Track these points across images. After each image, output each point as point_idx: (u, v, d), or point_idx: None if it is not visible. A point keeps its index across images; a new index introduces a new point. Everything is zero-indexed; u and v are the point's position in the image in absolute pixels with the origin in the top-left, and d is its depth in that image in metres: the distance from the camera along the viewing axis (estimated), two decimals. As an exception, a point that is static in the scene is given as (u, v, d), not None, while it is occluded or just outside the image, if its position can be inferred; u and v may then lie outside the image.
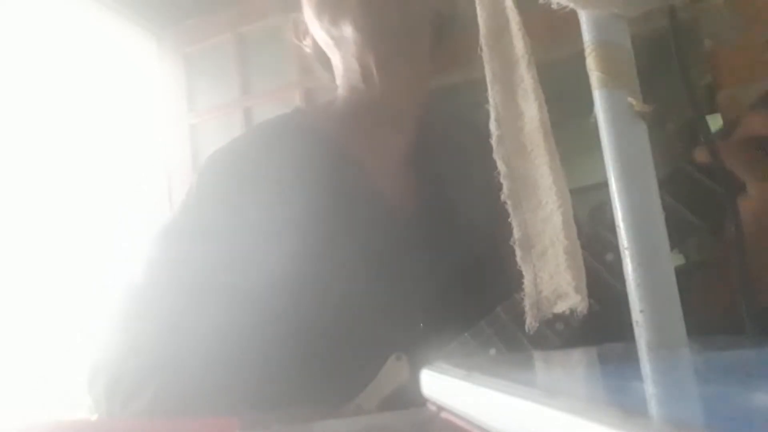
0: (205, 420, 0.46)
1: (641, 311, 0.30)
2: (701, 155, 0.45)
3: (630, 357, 0.29)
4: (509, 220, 0.60)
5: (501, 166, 0.34)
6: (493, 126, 0.35)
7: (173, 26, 2.05)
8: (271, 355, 0.53)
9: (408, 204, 0.63)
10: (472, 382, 0.22)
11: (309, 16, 0.64)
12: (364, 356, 0.53)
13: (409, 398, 0.49)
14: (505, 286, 0.51)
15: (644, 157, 0.32)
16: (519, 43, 0.35)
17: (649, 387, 0.22)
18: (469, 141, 0.66)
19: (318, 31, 0.63)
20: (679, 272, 0.31)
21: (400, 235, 0.60)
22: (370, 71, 0.62)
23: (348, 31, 0.59)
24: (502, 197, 0.34)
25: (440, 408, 0.26)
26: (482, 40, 0.36)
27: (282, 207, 0.59)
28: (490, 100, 0.35)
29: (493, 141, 0.35)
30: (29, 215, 1.46)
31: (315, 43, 0.68)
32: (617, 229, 0.32)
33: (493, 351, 0.48)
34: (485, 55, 0.35)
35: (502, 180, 0.35)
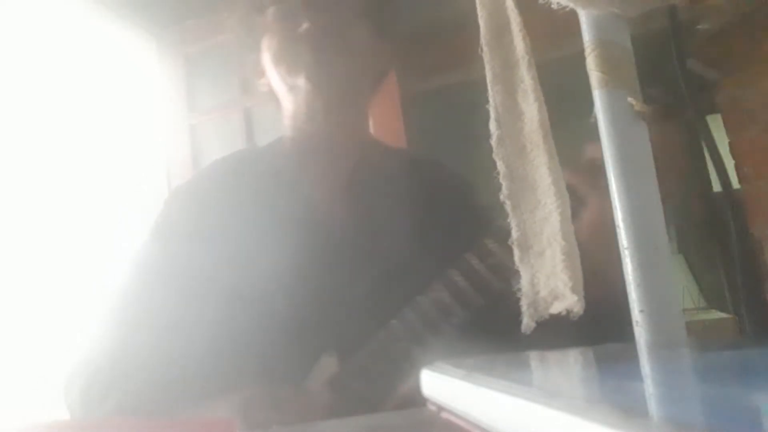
0: (205, 420, 0.46)
1: (641, 311, 0.30)
2: None
3: (630, 357, 0.29)
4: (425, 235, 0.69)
5: (500, 166, 0.35)
6: (492, 126, 0.35)
7: (173, 26, 2.05)
8: (221, 358, 0.60)
9: (343, 222, 0.73)
10: (472, 382, 0.22)
11: (267, 62, 0.74)
12: (301, 354, 0.62)
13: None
14: (416, 289, 0.64)
15: (644, 157, 0.32)
16: (519, 44, 0.35)
17: (649, 387, 0.22)
18: (399, 172, 0.80)
19: (274, 76, 0.74)
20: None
21: (335, 246, 0.71)
22: (317, 115, 0.73)
23: (301, 81, 0.70)
24: (501, 197, 0.34)
25: (440, 408, 0.26)
26: (483, 40, 0.36)
27: (236, 231, 0.69)
28: (490, 100, 0.35)
29: (493, 141, 0.35)
30: (29, 215, 1.46)
31: (270, 83, 0.78)
32: (617, 229, 0.32)
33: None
34: (486, 55, 0.35)
35: (501, 180, 0.35)
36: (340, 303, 0.67)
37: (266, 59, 0.74)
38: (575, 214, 0.51)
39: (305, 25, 0.69)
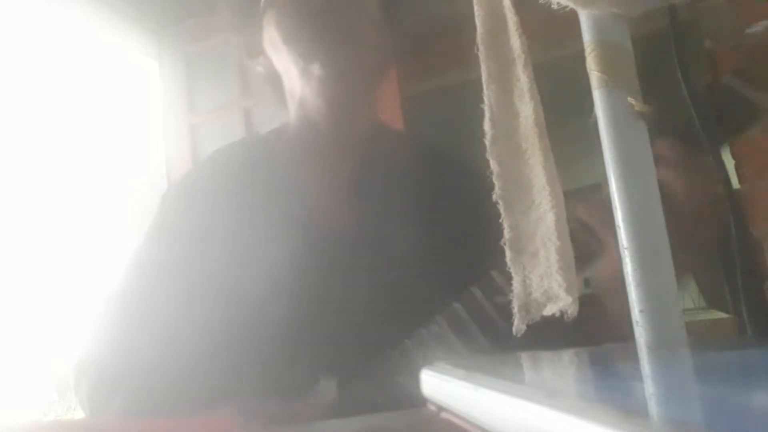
0: (205, 420, 0.46)
1: (641, 311, 0.30)
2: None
3: (630, 357, 0.29)
4: (441, 243, 0.63)
5: (494, 166, 0.34)
6: (487, 126, 0.35)
7: (173, 26, 2.05)
8: (206, 370, 0.58)
9: (343, 224, 0.68)
10: (472, 382, 0.22)
11: (275, 40, 0.67)
12: (293, 377, 0.56)
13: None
14: (429, 308, 0.57)
15: (644, 157, 0.32)
16: (516, 43, 0.35)
17: (649, 387, 0.22)
18: (408, 164, 0.74)
19: (283, 57, 0.67)
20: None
21: (334, 252, 0.66)
22: (328, 105, 0.68)
23: (315, 67, 0.64)
24: (494, 197, 0.34)
25: (440, 408, 0.26)
26: (479, 40, 0.36)
27: (230, 228, 0.65)
28: (486, 99, 0.35)
29: (488, 140, 0.35)
30: (28, 215, 1.46)
31: (269, 64, 0.72)
32: (617, 229, 0.32)
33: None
34: (482, 54, 0.35)
35: (494, 180, 0.34)
36: (335, 313, 0.62)
37: (271, 37, 0.67)
38: (594, 257, 0.49)
39: (323, 1, 0.63)
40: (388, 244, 0.66)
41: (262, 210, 0.67)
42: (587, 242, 0.49)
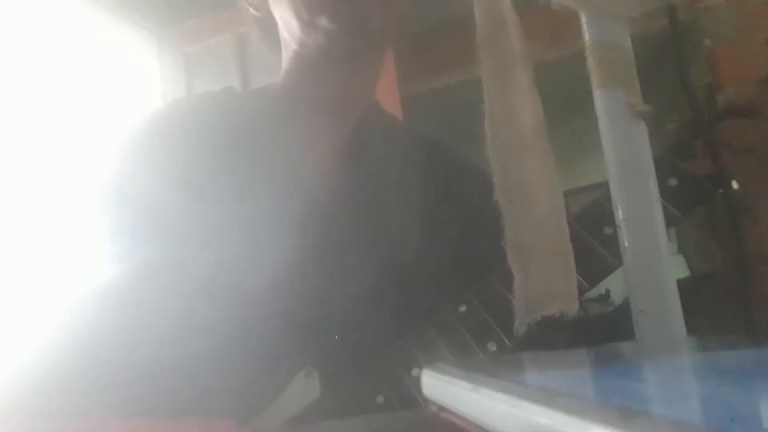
0: (205, 420, 0.45)
1: (641, 311, 0.30)
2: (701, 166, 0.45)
3: (630, 357, 0.29)
4: (441, 235, 0.55)
5: (494, 166, 0.34)
6: (487, 126, 0.35)
7: (173, 26, 2.05)
8: (170, 356, 0.49)
9: (335, 201, 0.60)
10: (472, 382, 0.22)
11: None
12: (268, 367, 0.49)
13: (325, 415, 0.47)
14: (429, 300, 0.50)
15: (644, 157, 0.32)
16: (516, 44, 0.35)
17: (649, 387, 0.22)
18: (408, 149, 0.66)
19: (284, 7, 0.59)
20: (684, 287, 0.31)
21: (323, 231, 0.57)
22: (332, 63, 0.59)
23: (323, 20, 0.56)
24: (495, 197, 0.34)
25: (440, 408, 0.26)
26: (479, 40, 0.36)
27: (199, 190, 0.55)
28: (486, 100, 0.35)
29: (488, 141, 0.35)
30: (26, 215, 1.46)
31: (265, 7, 0.63)
32: (617, 229, 0.32)
33: (416, 371, 0.45)
34: (482, 54, 0.35)
35: (495, 180, 0.34)
36: (329, 297, 0.54)
37: None
38: (611, 270, 0.43)
39: None
40: (387, 218, 0.59)
41: (243, 171, 0.58)
42: (605, 255, 0.47)
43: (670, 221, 0.36)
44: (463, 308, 0.47)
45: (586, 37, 0.34)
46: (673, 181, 0.42)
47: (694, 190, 0.43)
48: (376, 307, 0.54)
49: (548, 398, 0.17)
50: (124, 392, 0.48)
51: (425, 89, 2.19)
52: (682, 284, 0.31)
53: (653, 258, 0.31)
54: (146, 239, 0.55)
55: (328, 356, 0.49)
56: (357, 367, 0.48)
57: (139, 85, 2.05)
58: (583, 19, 0.34)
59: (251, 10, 0.66)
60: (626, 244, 0.31)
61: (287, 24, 0.60)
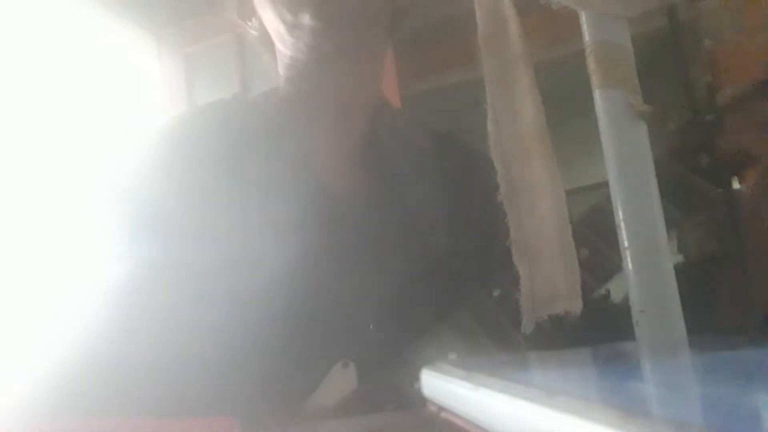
0: (205, 420, 0.46)
1: (641, 311, 0.30)
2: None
3: (630, 357, 0.29)
4: (467, 227, 0.55)
5: (498, 166, 0.34)
6: (489, 126, 0.35)
7: (173, 26, 2.05)
8: (206, 357, 0.50)
9: (357, 201, 0.60)
10: (472, 382, 0.22)
11: None
12: (306, 362, 0.50)
13: (364, 406, 0.47)
14: (462, 290, 0.50)
15: (644, 157, 0.32)
16: (517, 43, 0.35)
17: (649, 387, 0.22)
18: (423, 145, 0.65)
19: (269, 14, 0.58)
20: (680, 272, 0.31)
21: (348, 232, 0.57)
22: (326, 61, 0.58)
23: (306, 18, 0.55)
24: (498, 198, 0.34)
25: (440, 408, 0.26)
26: (480, 40, 0.36)
27: (220, 200, 0.56)
28: (488, 99, 0.35)
29: (490, 141, 0.35)
30: (25, 215, 1.46)
31: (262, 25, 0.63)
32: (617, 229, 0.32)
33: (453, 355, 0.46)
34: (483, 54, 0.35)
35: (498, 180, 0.34)
36: (348, 303, 0.55)
37: None
38: (614, 273, 0.44)
39: None
40: (411, 212, 0.59)
41: (255, 181, 0.57)
42: (607, 255, 0.47)
43: (670, 222, 0.36)
44: (497, 293, 0.47)
45: (586, 37, 0.34)
46: (704, 159, 0.42)
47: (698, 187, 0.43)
48: (408, 299, 0.54)
49: (548, 398, 0.17)
50: (142, 392, 0.49)
51: (425, 89, 2.19)
52: (679, 269, 0.32)
53: (653, 258, 0.31)
54: (163, 243, 0.55)
55: (364, 348, 0.50)
56: (393, 357, 0.48)
57: (139, 85, 2.05)
58: (583, 19, 0.34)
59: (250, 30, 0.66)
60: (626, 244, 0.31)
61: (275, 30, 0.60)
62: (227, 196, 0.56)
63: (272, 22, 0.59)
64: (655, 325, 0.30)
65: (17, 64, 1.55)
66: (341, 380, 0.48)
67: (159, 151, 0.61)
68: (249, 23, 0.66)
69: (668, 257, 0.31)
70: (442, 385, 0.26)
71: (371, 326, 0.53)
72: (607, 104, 0.33)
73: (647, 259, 0.31)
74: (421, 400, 0.29)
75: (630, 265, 0.31)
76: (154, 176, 0.59)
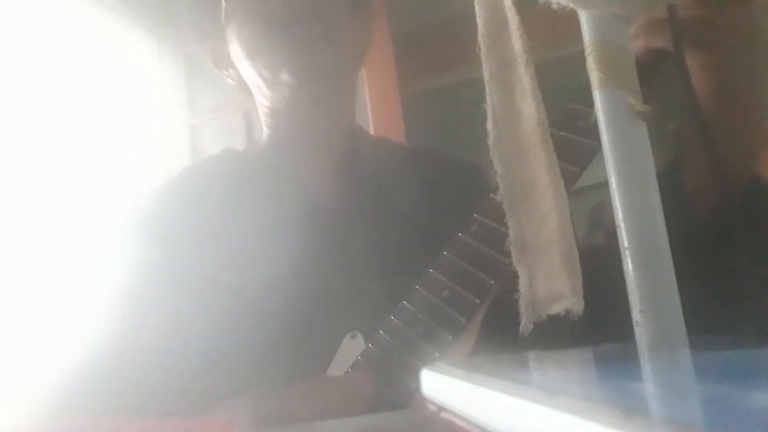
0: (205, 420, 0.46)
1: (641, 311, 0.30)
2: None
3: (630, 357, 0.29)
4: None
5: (498, 167, 0.35)
6: (490, 126, 0.35)
7: (173, 26, 2.05)
8: (229, 352, 0.56)
9: (342, 206, 0.68)
10: (472, 382, 0.22)
11: (238, 55, 0.66)
12: (319, 340, 0.57)
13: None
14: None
15: (644, 157, 0.32)
16: (517, 43, 0.35)
17: (649, 387, 0.22)
18: (397, 153, 0.76)
19: (248, 70, 0.66)
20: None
21: (336, 229, 0.65)
22: (302, 109, 0.67)
23: (284, 76, 0.62)
24: (498, 197, 0.34)
25: (440, 408, 0.26)
26: (480, 40, 0.36)
27: (235, 229, 0.63)
28: (488, 99, 0.35)
29: (490, 141, 0.35)
30: (25, 215, 1.46)
31: (238, 76, 0.71)
32: (617, 230, 0.32)
33: (446, 293, 0.49)
34: (483, 54, 0.35)
35: (498, 180, 0.35)
36: (343, 295, 0.61)
37: (235, 51, 0.66)
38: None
39: (282, 11, 0.60)
40: (382, 222, 0.66)
41: (262, 207, 0.65)
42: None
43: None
44: (473, 228, 0.50)
45: (586, 37, 0.34)
46: None
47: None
48: (402, 267, 0.59)
49: (548, 398, 0.17)
50: (154, 393, 0.53)
51: (425, 89, 2.19)
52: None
53: (653, 258, 0.31)
54: (168, 245, 0.64)
55: (365, 317, 0.55)
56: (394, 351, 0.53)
57: (139, 85, 2.05)
58: (583, 19, 0.34)
59: (227, 79, 0.74)
60: (626, 244, 0.31)
61: (255, 84, 0.67)
62: (243, 221, 0.63)
63: (251, 76, 0.66)
64: (655, 325, 0.30)
65: (17, 64, 1.55)
66: (351, 349, 0.54)
67: (173, 188, 0.71)
68: (225, 72, 0.73)
69: (668, 257, 0.31)
70: (442, 385, 0.26)
71: (368, 299, 0.60)
72: (607, 104, 0.33)
73: (647, 259, 0.31)
74: (421, 400, 0.29)
75: (630, 265, 0.31)
76: (169, 203, 0.68)
